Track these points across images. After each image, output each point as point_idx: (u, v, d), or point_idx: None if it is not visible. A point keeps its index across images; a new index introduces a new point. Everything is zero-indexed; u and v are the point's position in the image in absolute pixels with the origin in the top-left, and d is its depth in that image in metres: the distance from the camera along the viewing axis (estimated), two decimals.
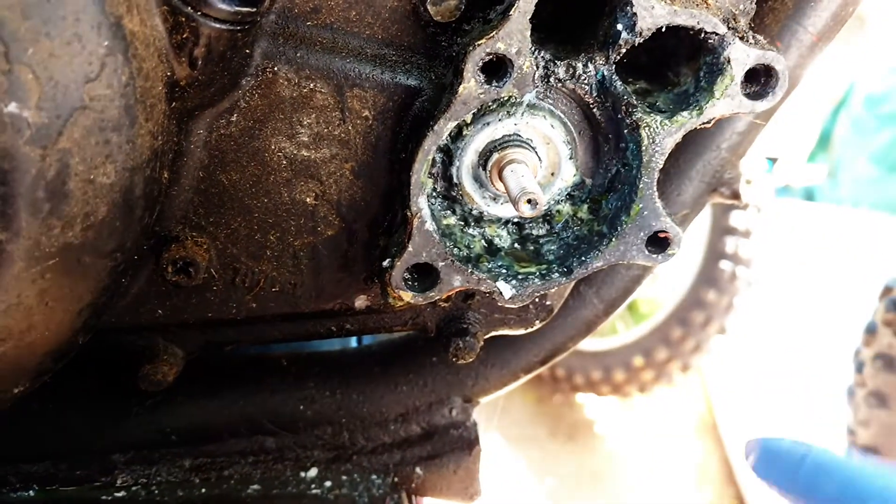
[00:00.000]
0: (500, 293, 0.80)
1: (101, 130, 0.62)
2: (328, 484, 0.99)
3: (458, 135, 0.80)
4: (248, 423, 1.01)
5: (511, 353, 1.05)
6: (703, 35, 0.75)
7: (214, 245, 0.84)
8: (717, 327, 3.61)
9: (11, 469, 0.94)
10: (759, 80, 0.78)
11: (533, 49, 0.74)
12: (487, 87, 0.73)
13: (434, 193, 0.82)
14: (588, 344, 3.91)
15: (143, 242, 0.76)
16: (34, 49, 0.57)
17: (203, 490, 0.97)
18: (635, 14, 0.72)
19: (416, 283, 0.80)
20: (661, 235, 0.80)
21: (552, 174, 0.84)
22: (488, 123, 0.79)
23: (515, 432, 3.89)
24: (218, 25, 0.69)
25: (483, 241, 0.85)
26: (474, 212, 0.84)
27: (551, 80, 0.78)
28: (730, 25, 0.76)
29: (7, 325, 0.65)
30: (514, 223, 0.86)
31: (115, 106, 0.63)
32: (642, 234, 0.80)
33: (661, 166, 0.78)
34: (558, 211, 0.85)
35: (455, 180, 0.82)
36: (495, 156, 0.79)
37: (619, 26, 0.74)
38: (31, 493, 0.93)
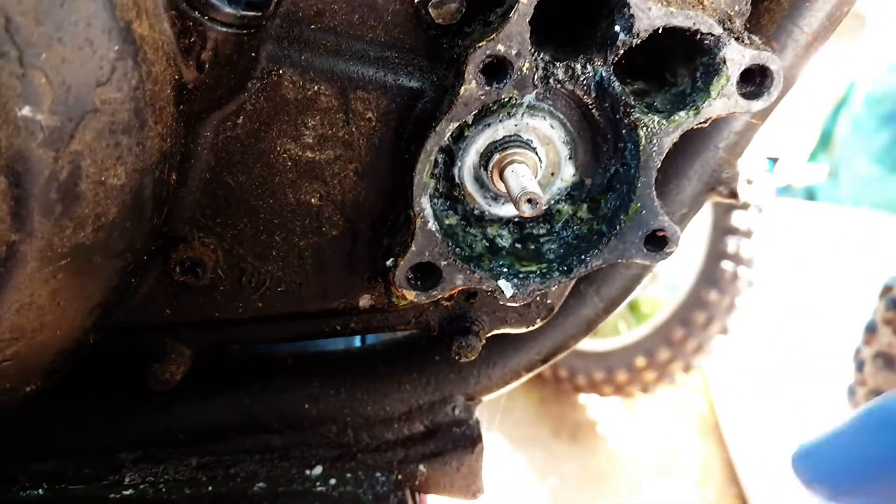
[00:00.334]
0: (502, 292, 0.82)
1: (111, 133, 0.64)
2: (333, 481, 1.00)
3: (459, 135, 0.81)
4: (254, 422, 1.02)
5: (513, 352, 1.07)
6: (699, 36, 0.76)
7: (221, 245, 0.86)
8: (718, 327, 3.63)
9: (21, 467, 0.95)
10: (755, 80, 0.79)
11: (532, 51, 0.75)
12: (488, 88, 0.75)
13: (436, 193, 0.84)
14: (590, 344, 3.93)
15: (152, 243, 0.77)
16: (47, 54, 0.59)
17: (210, 488, 0.98)
18: (632, 16, 0.74)
19: (419, 283, 0.82)
20: (660, 234, 0.81)
21: (552, 174, 0.85)
22: (489, 124, 0.81)
23: (518, 432, 3.90)
24: (224, 29, 0.70)
25: (485, 240, 0.87)
26: (476, 211, 0.86)
27: (551, 81, 0.79)
28: (725, 26, 0.77)
29: (20, 324, 0.67)
30: (515, 223, 0.87)
31: (126, 109, 0.64)
32: (640, 232, 0.81)
33: (658, 166, 0.79)
34: (558, 210, 0.87)
35: (457, 180, 0.84)
36: (496, 156, 0.80)
37: (617, 28, 0.76)
38: (41, 491, 0.94)
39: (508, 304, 0.83)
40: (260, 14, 0.72)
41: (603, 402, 4.15)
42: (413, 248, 0.79)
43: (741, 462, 3.73)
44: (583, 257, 0.83)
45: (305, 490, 0.99)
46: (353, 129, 0.82)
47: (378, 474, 1.02)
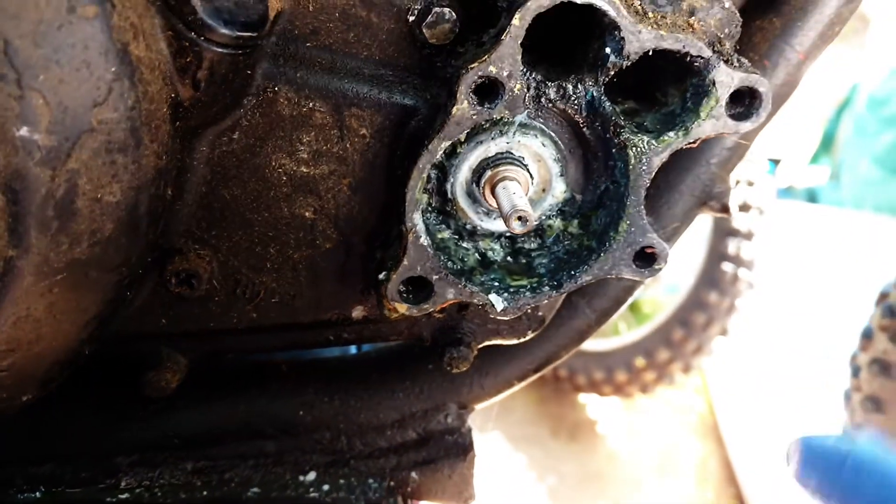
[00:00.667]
0: (493, 306, 0.83)
1: (107, 152, 0.65)
2: (326, 487, 1.01)
3: (452, 152, 0.83)
4: (249, 428, 1.03)
5: (505, 362, 1.08)
6: (689, 58, 0.77)
7: (216, 257, 0.87)
8: (718, 329, 3.63)
9: (18, 470, 0.97)
10: (744, 102, 0.80)
11: (524, 71, 0.77)
12: (480, 108, 0.76)
13: (429, 209, 0.85)
14: (590, 344, 3.94)
15: (148, 256, 0.79)
16: (45, 76, 0.60)
17: (204, 492, 0.99)
18: (623, 38, 0.75)
19: (410, 296, 0.83)
20: (649, 251, 0.83)
21: (543, 190, 0.86)
22: (481, 142, 0.82)
23: (517, 432, 3.91)
24: (220, 50, 0.72)
25: (477, 254, 0.88)
26: (468, 226, 0.87)
27: (542, 100, 0.80)
28: (715, 49, 0.78)
29: (16, 336, 0.68)
30: (506, 237, 0.88)
31: (122, 128, 0.66)
32: (629, 249, 0.82)
33: (647, 184, 0.80)
34: (549, 226, 0.88)
35: (449, 196, 0.85)
36: (488, 173, 0.82)
37: (608, 49, 0.77)
38: (38, 494, 0.96)
39: (499, 317, 0.84)
40: (255, 34, 0.73)
41: (602, 402, 4.16)
42: (405, 262, 0.81)
43: (739, 462, 3.74)
44: (573, 272, 0.84)
45: (299, 496, 1.01)
46: (348, 145, 0.84)
47: (371, 481, 1.03)
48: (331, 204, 0.86)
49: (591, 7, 0.73)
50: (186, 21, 0.70)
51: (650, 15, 0.77)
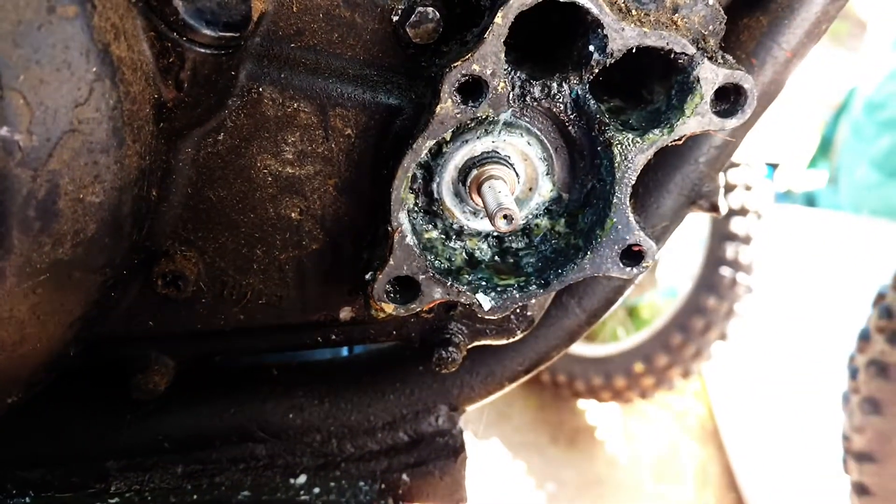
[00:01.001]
0: (480, 305, 0.83)
1: (89, 152, 0.65)
2: (317, 490, 1.01)
3: (438, 152, 0.83)
4: (239, 431, 1.03)
5: (495, 363, 1.08)
6: (672, 55, 0.77)
7: (203, 259, 0.87)
8: (717, 333, 3.62)
9: (8, 475, 0.96)
10: (729, 99, 0.80)
11: (508, 70, 0.77)
12: (464, 107, 0.76)
13: (416, 208, 0.85)
14: (589, 350, 3.93)
15: (133, 257, 0.79)
16: (25, 76, 0.60)
17: (195, 496, 0.99)
18: (606, 36, 0.75)
19: (397, 296, 0.83)
20: (635, 249, 0.83)
21: (530, 189, 0.86)
22: (467, 141, 0.82)
23: (516, 438, 3.90)
24: (203, 50, 0.72)
25: (464, 253, 0.88)
26: (455, 226, 0.87)
27: (527, 99, 0.80)
28: (699, 46, 0.78)
29: (0, 338, 0.68)
30: (494, 237, 0.88)
31: (104, 128, 0.66)
32: (616, 247, 0.82)
33: (633, 182, 0.80)
34: (537, 225, 0.88)
35: (436, 196, 0.85)
36: (474, 172, 0.82)
37: (591, 48, 0.77)
38: (28, 499, 0.95)
39: (487, 316, 0.84)
40: (238, 35, 0.73)
41: (601, 408, 4.15)
42: (391, 261, 0.81)
43: (740, 468, 3.73)
44: (560, 271, 0.84)
45: (289, 499, 1.00)
46: (333, 146, 0.84)
47: (361, 483, 1.03)
48: (317, 204, 0.86)
49: (573, 5, 0.73)
50: (168, 22, 0.70)
51: (633, 12, 0.77)
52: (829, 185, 5.07)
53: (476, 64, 0.74)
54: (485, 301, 0.83)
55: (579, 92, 0.81)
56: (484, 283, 0.85)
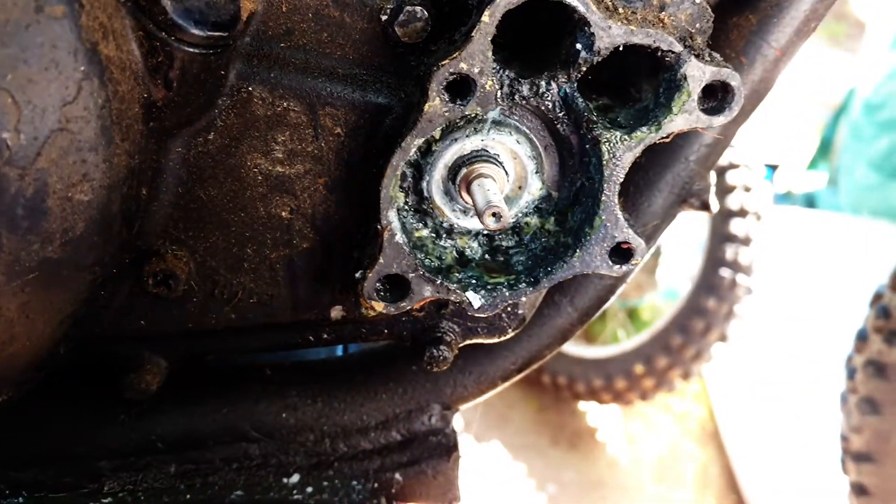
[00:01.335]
0: (470, 303, 0.83)
1: (77, 150, 0.66)
2: (310, 490, 1.01)
3: (427, 150, 0.83)
4: (232, 431, 1.03)
5: (488, 362, 1.08)
6: (660, 53, 0.78)
7: (194, 258, 0.88)
8: (717, 335, 3.62)
9: (1, 475, 0.97)
10: (717, 96, 0.80)
11: (496, 68, 0.77)
12: (452, 105, 0.76)
13: (406, 207, 0.85)
14: (589, 352, 3.93)
15: (123, 256, 0.79)
16: (13, 75, 0.61)
17: (188, 496, 0.99)
18: (593, 34, 0.75)
19: (387, 294, 0.83)
20: (624, 246, 0.83)
21: (519, 188, 0.86)
22: (456, 139, 0.82)
23: (517, 441, 3.90)
24: (192, 50, 0.72)
25: (454, 252, 0.88)
26: (445, 224, 0.87)
27: (516, 97, 0.81)
28: (686, 44, 0.78)
29: None
30: (484, 235, 0.89)
31: (92, 127, 0.66)
32: (605, 245, 0.82)
33: (621, 179, 0.80)
34: (527, 223, 0.88)
35: (426, 194, 0.85)
36: (463, 170, 0.82)
37: (579, 46, 0.77)
38: (20, 499, 0.96)
39: (477, 314, 0.84)
40: (226, 35, 0.73)
41: (602, 410, 4.15)
42: (381, 260, 0.81)
43: (741, 469, 3.72)
44: (550, 269, 0.84)
45: (282, 498, 1.01)
46: (323, 144, 0.84)
47: (354, 483, 1.03)
48: (307, 203, 0.87)
49: (560, 3, 0.74)
50: (157, 21, 0.70)
51: (620, 10, 0.77)
52: (829, 186, 5.07)
53: (464, 62, 0.74)
54: (475, 299, 0.83)
55: (567, 90, 0.81)
56: (474, 281, 0.85)
